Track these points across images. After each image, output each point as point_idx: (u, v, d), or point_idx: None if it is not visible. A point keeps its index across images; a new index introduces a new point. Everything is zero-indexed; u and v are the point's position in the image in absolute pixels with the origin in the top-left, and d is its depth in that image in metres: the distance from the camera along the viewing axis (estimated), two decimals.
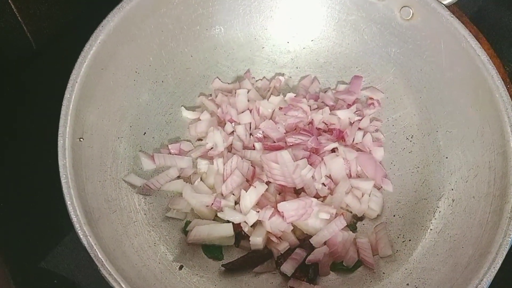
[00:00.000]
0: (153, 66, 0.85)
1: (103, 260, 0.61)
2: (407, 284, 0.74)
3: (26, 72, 0.94)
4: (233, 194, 0.80)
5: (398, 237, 0.81)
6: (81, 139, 0.70)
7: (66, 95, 0.69)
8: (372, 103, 0.91)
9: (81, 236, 0.62)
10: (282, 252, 0.78)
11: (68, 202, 0.63)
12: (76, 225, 0.62)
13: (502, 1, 1.15)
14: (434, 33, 0.83)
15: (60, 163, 0.65)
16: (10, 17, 0.87)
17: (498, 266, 0.65)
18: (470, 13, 0.95)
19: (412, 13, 0.84)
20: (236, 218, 0.78)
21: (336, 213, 0.79)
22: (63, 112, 0.68)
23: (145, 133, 0.84)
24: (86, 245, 0.61)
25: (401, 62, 0.90)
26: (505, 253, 0.66)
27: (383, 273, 0.77)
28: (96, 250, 0.62)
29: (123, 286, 0.61)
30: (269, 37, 0.94)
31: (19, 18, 0.89)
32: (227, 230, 0.78)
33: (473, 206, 0.76)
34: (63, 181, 0.64)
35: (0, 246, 0.78)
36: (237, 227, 0.79)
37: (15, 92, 0.93)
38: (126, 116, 0.81)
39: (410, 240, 0.80)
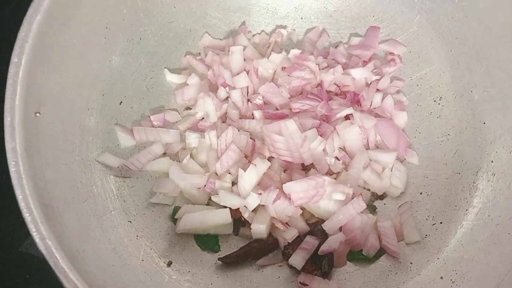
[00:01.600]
0: (128, 21, 0.73)
1: (66, 269, 0.49)
2: (441, 278, 0.64)
3: None
4: (230, 174, 0.71)
5: (427, 220, 0.71)
6: (37, 114, 0.58)
7: (14, 59, 0.56)
8: (393, 59, 0.80)
9: (37, 240, 0.50)
10: (290, 241, 0.68)
11: (20, 197, 0.52)
12: (31, 226, 0.51)
13: None
14: None
15: (8, 146, 0.53)
16: None
17: None
18: None
19: None
20: (234, 202, 0.68)
21: (353, 193, 0.68)
22: (9, 81, 0.55)
23: (121, 102, 0.73)
24: (44, 251, 0.50)
25: (427, 8, 0.78)
26: None
27: (411, 263, 0.68)
28: (57, 256, 0.50)
29: None
30: None
31: None
32: (224, 217, 0.69)
33: None
34: (11, 169, 0.52)
35: None
36: (235, 212, 0.70)
37: None
38: (97, 82, 0.70)
39: (441, 223, 0.70)
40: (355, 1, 0.81)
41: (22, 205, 0.51)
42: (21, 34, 0.57)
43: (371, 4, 0.81)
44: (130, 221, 0.67)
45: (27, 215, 0.51)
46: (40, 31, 0.58)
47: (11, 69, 0.56)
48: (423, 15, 0.78)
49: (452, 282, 0.62)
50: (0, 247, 0.73)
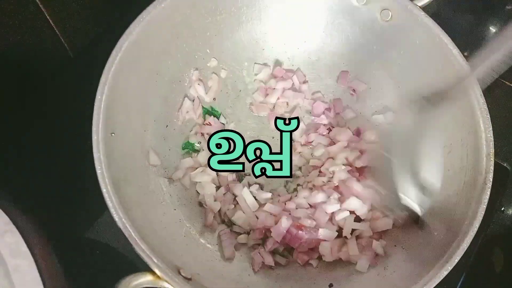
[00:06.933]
0: (171, 69, 0.77)
1: (137, 239, 0.55)
2: (395, 246, 0.69)
3: (64, 76, 0.87)
4: None
5: None
6: (113, 134, 0.63)
7: (98, 96, 0.62)
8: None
9: (116, 219, 0.56)
10: None
11: (104, 190, 0.57)
12: (112, 210, 0.56)
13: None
14: (410, 32, 0.76)
15: (95, 156, 0.59)
16: (49, 29, 0.81)
17: (475, 230, 0.60)
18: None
19: (391, 15, 0.77)
20: None
21: None
22: (95, 111, 0.61)
23: (167, 125, 0.77)
24: (122, 227, 0.55)
25: (381, 58, 0.82)
26: (480, 218, 0.60)
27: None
28: (130, 230, 0.55)
29: (155, 260, 0.55)
30: (268, 40, 0.86)
31: (56, 31, 0.84)
32: None
33: (449, 177, 0.70)
34: (98, 171, 0.58)
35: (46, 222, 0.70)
36: None
37: (55, 94, 0.85)
38: (151, 112, 0.74)
39: None
40: (331, 53, 0.86)
41: (106, 196, 0.56)
42: (102, 79, 0.63)
43: (342, 55, 0.86)
44: (175, 209, 0.71)
45: (109, 202, 0.56)
46: (114, 77, 0.64)
47: (96, 103, 0.62)
48: (378, 62, 0.82)
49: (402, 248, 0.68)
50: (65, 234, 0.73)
